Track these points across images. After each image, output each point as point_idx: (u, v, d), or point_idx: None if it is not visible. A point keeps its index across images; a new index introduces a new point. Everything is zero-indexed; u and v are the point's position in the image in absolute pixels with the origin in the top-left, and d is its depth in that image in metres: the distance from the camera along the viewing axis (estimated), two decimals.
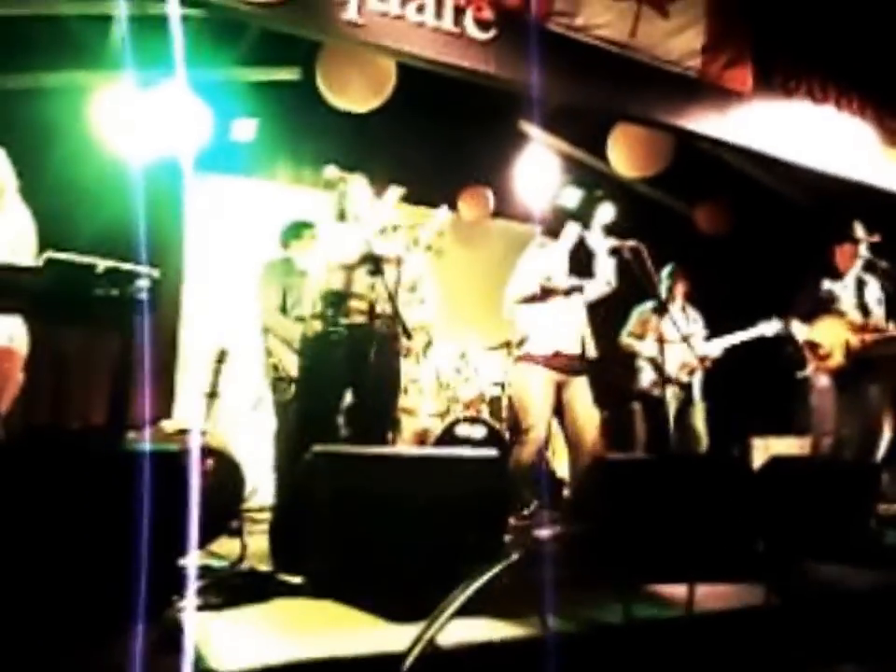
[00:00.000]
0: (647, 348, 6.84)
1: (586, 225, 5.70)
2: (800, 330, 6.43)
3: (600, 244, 5.62)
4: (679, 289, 7.11)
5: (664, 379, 6.43)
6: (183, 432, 5.19)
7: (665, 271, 7.11)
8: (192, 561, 3.78)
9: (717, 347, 6.94)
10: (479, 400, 7.19)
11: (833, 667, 3.22)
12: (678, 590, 3.29)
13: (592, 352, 5.60)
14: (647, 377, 6.92)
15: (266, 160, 8.18)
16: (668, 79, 5.99)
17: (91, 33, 6.28)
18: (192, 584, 3.36)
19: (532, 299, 5.52)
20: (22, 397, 4.26)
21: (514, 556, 2.90)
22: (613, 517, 3.39)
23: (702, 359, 6.85)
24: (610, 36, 5.71)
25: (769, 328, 6.79)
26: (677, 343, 6.65)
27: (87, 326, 4.94)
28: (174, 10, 4.20)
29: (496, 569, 2.79)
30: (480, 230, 9.23)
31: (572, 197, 8.04)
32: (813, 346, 6.33)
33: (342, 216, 4.94)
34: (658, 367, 6.60)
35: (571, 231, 5.66)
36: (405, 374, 7.11)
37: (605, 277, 5.63)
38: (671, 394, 6.75)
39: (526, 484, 5.63)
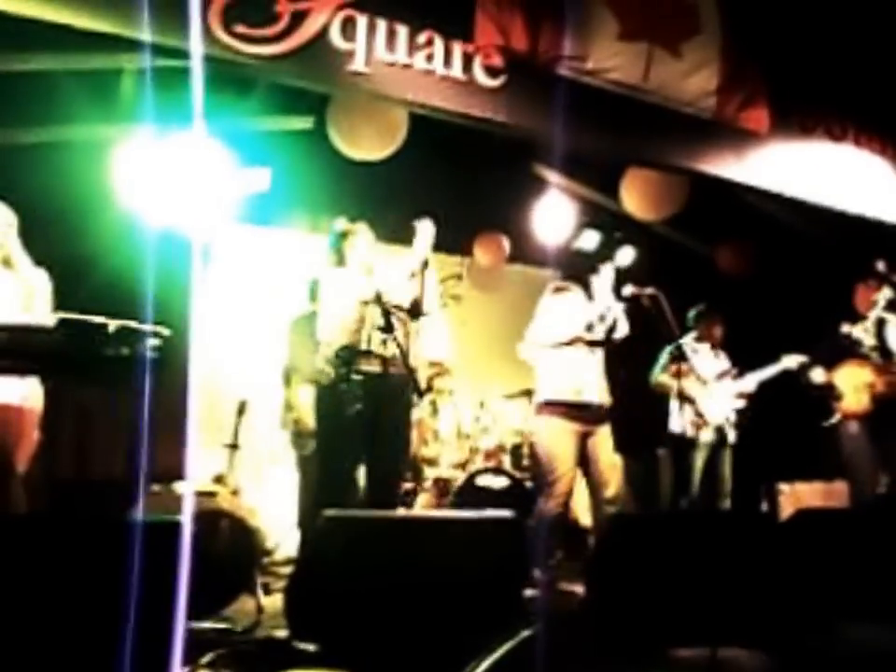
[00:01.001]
0: (687, 388, 6.68)
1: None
2: (818, 376, 6.32)
3: (604, 282, 5.55)
4: (716, 332, 6.98)
5: (700, 419, 6.38)
6: (196, 494, 5.13)
7: (692, 313, 7.01)
8: (204, 628, 3.72)
9: (751, 383, 6.82)
10: (500, 450, 7.09)
11: None
12: (699, 654, 3.18)
13: (607, 401, 5.53)
14: (680, 419, 6.76)
15: (281, 208, 8.15)
16: (682, 121, 5.91)
17: (109, 86, 6.29)
18: (204, 656, 3.30)
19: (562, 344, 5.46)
20: (44, 453, 4.25)
21: (526, 633, 2.80)
22: (633, 577, 3.30)
23: (742, 396, 6.76)
24: (622, 79, 5.64)
25: (792, 361, 6.66)
26: (712, 382, 6.58)
27: (100, 384, 4.92)
28: (196, 65, 4.20)
29: (510, 644, 2.70)
30: (496, 275, 9.18)
31: (591, 240, 8.03)
32: (834, 392, 6.22)
33: (341, 261, 4.91)
34: (695, 407, 6.56)
35: (605, 275, 5.59)
36: (425, 424, 7.07)
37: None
38: (707, 436, 6.63)
39: (550, 536, 5.54)
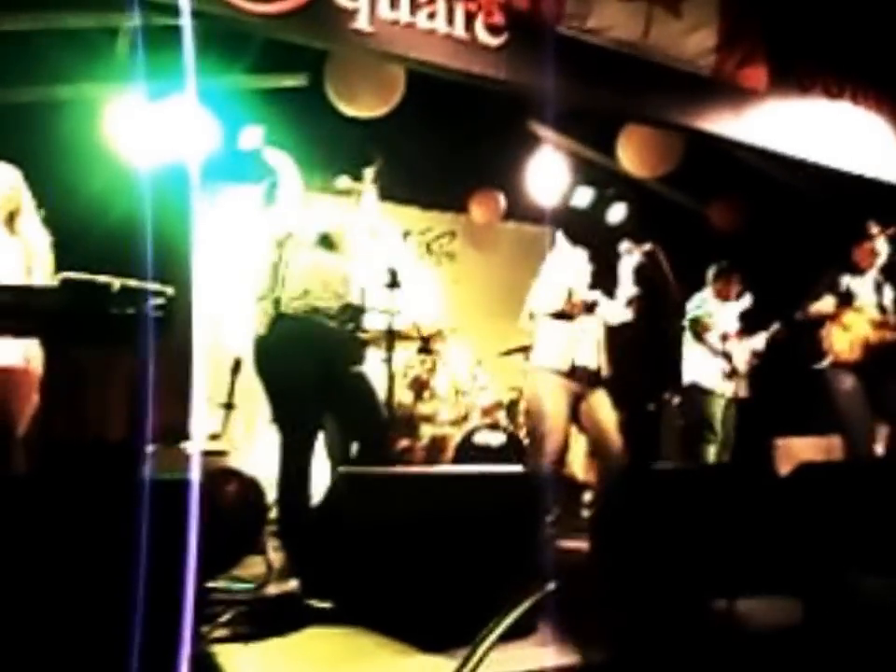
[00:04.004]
0: (713, 342, 6.90)
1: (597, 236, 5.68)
2: (825, 305, 6.31)
3: (628, 267, 5.57)
4: (733, 289, 7.10)
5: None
6: (204, 454, 5.14)
7: (712, 269, 7.11)
8: (215, 587, 3.74)
9: (759, 341, 7.02)
10: (496, 406, 7.11)
11: None
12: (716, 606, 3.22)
13: (605, 370, 5.54)
14: (704, 370, 6.92)
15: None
16: (682, 80, 5.91)
17: (102, 45, 6.24)
18: (219, 616, 3.32)
19: (555, 315, 5.47)
20: (41, 416, 4.23)
21: (550, 586, 2.84)
22: (638, 531, 3.33)
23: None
24: (623, 38, 5.63)
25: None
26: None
27: (103, 345, 4.91)
28: (187, 23, 4.16)
29: (531, 600, 2.73)
30: (491, 232, 9.18)
31: (584, 197, 8.02)
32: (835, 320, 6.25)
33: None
34: (728, 359, 6.87)
35: (630, 261, 5.60)
36: (422, 382, 7.07)
37: (624, 301, 5.57)
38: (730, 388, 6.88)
39: (546, 492, 5.58)
